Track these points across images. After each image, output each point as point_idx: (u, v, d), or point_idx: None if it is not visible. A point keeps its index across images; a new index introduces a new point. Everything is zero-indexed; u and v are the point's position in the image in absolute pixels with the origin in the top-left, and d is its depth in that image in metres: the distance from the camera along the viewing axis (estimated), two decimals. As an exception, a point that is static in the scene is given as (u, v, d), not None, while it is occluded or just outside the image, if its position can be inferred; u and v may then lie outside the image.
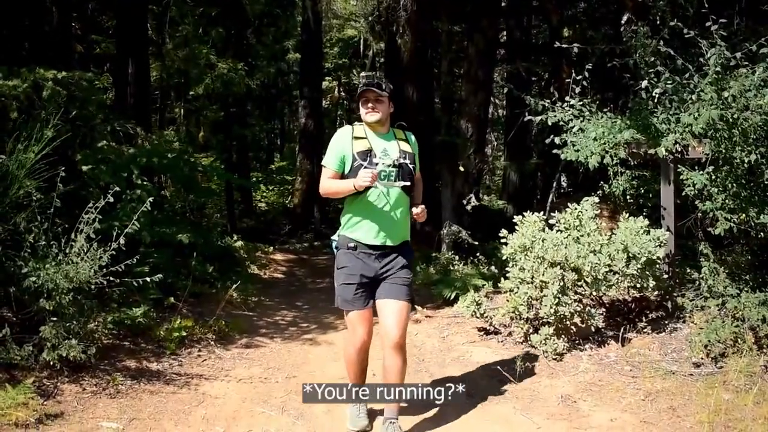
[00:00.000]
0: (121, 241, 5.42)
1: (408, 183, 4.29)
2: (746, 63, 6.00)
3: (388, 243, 4.28)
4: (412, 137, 4.54)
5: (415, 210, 4.35)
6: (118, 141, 8.30)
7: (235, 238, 13.87)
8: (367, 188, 4.16)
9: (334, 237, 4.50)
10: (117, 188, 5.91)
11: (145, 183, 7.65)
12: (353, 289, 4.28)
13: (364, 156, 4.23)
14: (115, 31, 14.28)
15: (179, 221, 9.85)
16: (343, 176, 4.31)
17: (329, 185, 4.32)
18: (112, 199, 5.59)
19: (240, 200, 22.30)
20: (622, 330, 6.44)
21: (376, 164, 4.20)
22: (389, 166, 4.23)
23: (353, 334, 4.44)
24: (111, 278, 5.41)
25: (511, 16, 17.08)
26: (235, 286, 8.43)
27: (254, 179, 23.93)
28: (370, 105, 4.29)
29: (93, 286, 5.39)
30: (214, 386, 5.59)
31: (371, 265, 4.28)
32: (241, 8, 18.64)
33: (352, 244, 4.29)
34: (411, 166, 4.34)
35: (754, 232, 6.24)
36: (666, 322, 6.59)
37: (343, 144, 4.31)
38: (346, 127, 4.45)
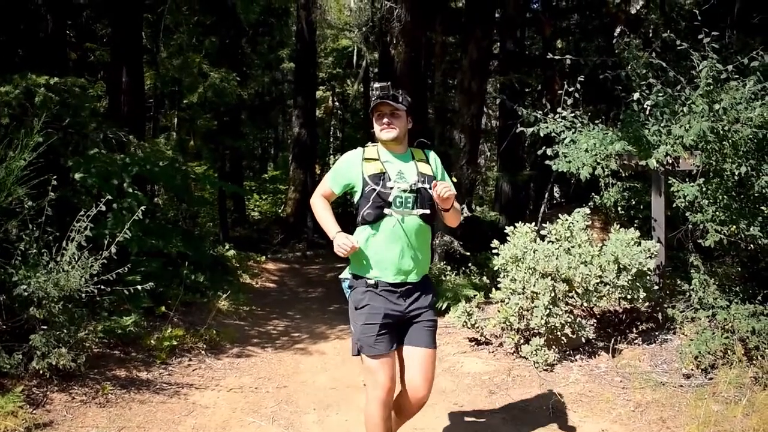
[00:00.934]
0: (112, 249, 5.41)
1: (428, 211, 3.65)
2: (737, 76, 6.04)
3: (410, 279, 3.68)
4: (432, 155, 3.89)
5: (437, 186, 3.52)
6: (111, 148, 8.27)
7: (227, 247, 13.86)
8: (381, 216, 3.60)
9: (345, 275, 3.86)
10: (108, 196, 5.89)
11: (136, 191, 7.62)
12: (376, 329, 3.59)
13: (376, 179, 3.60)
14: (109, 38, 14.27)
15: (171, 230, 9.83)
16: (351, 198, 3.79)
17: (319, 211, 3.83)
18: (103, 208, 5.58)
19: (233, 209, 22.27)
20: (612, 341, 6.45)
21: (391, 188, 3.58)
22: (405, 191, 3.60)
23: (375, 383, 3.60)
24: (102, 287, 5.39)
25: (505, 27, 17.14)
26: (225, 295, 8.42)
27: (247, 188, 23.93)
28: (385, 120, 3.67)
29: (83, 295, 5.37)
30: (205, 396, 5.57)
31: (396, 304, 3.65)
32: (236, 17, 18.68)
33: (372, 281, 3.64)
34: (431, 191, 3.60)
35: (744, 244, 6.28)
36: (656, 333, 6.60)
37: (350, 169, 3.72)
38: (355, 150, 3.81)
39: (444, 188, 3.50)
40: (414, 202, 3.62)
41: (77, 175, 7.19)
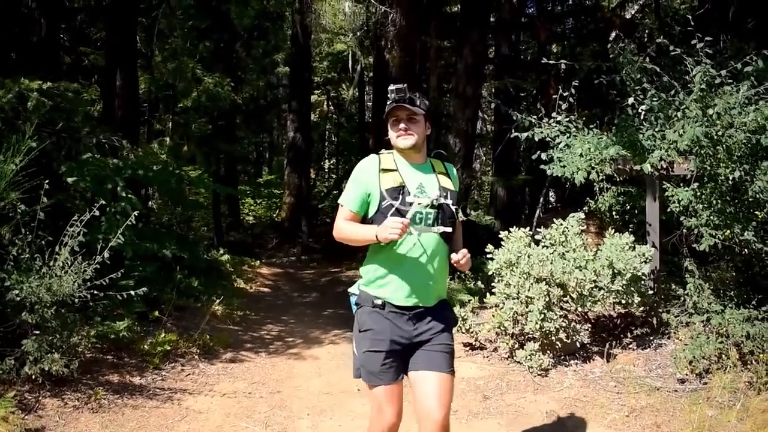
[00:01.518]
0: (105, 254, 5.39)
1: (449, 229, 3.29)
2: (731, 81, 6.05)
3: (423, 303, 3.30)
4: (454, 170, 3.57)
5: (455, 256, 3.30)
6: (104, 153, 8.25)
7: (222, 251, 13.84)
8: None
9: (353, 290, 3.52)
10: (102, 201, 5.87)
11: (130, 195, 7.59)
12: (381, 358, 3.24)
13: (395, 193, 3.23)
14: (104, 42, 14.26)
15: (165, 234, 9.81)
16: (365, 219, 3.37)
17: (345, 229, 3.36)
18: (97, 212, 5.56)
19: (227, 213, 22.26)
20: (607, 346, 6.45)
21: (410, 204, 3.20)
22: (426, 206, 3.24)
23: (379, 416, 3.30)
24: (95, 291, 5.37)
25: (500, 32, 17.18)
26: (219, 300, 8.40)
27: (242, 192, 23.91)
28: (402, 126, 3.31)
29: (76, 300, 5.34)
30: (198, 401, 5.55)
31: (404, 328, 3.27)
32: (230, 21, 18.69)
33: (379, 301, 3.29)
34: (453, 207, 3.33)
35: (738, 249, 6.28)
36: (651, 338, 6.60)
37: (367, 179, 3.32)
38: (371, 158, 3.41)
39: (467, 261, 3.29)
40: (435, 218, 3.27)
41: (70, 180, 7.17)
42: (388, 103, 3.35)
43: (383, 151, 3.45)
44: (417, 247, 3.25)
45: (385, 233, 3.04)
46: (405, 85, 3.33)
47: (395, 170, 3.32)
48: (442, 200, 3.28)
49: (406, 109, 3.30)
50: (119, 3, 11.35)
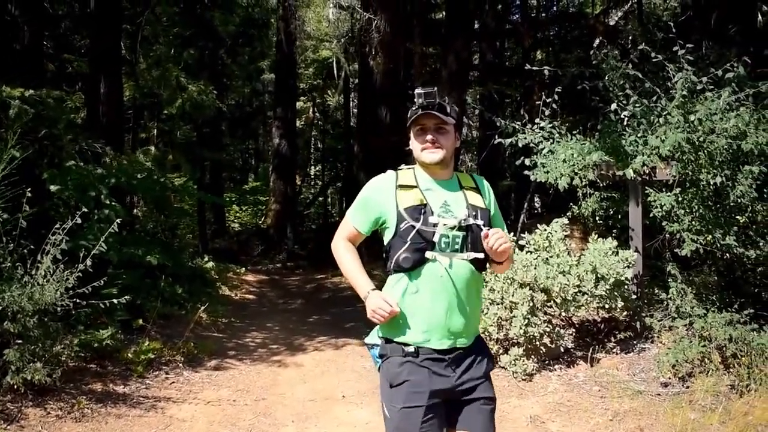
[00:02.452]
0: (88, 262, 5.37)
1: (481, 255, 2.78)
2: (712, 87, 6.11)
3: (460, 343, 2.82)
4: (486, 184, 3.06)
5: (489, 238, 2.72)
6: (87, 161, 8.22)
7: (207, 258, 13.79)
8: (422, 261, 2.75)
9: (372, 339, 2.98)
10: (84, 209, 5.85)
11: (113, 203, 7.57)
12: (421, 414, 2.71)
13: (415, 213, 2.76)
14: (88, 49, 14.20)
15: (149, 242, 9.77)
16: (380, 234, 2.96)
17: (344, 257, 2.96)
18: (79, 220, 5.54)
19: (213, 221, 22.20)
20: (591, 350, 6.48)
21: (435, 225, 2.74)
22: (453, 228, 2.77)
23: None
24: (78, 300, 5.34)
25: (484, 38, 17.25)
26: (203, 307, 8.37)
27: (228, 199, 23.85)
28: (429, 138, 2.82)
29: (59, 308, 5.32)
30: (182, 409, 5.52)
31: (444, 376, 2.77)
32: (215, 29, 18.67)
33: (411, 348, 2.77)
34: (485, 228, 2.78)
35: (719, 253, 6.33)
36: (634, 342, 6.64)
37: (380, 199, 2.88)
38: (386, 174, 2.97)
39: (498, 239, 2.70)
40: (463, 242, 2.79)
41: (53, 188, 7.14)
42: (413, 108, 2.88)
43: (402, 166, 3.00)
44: (445, 278, 2.75)
45: (369, 311, 2.72)
46: (435, 88, 2.84)
47: (415, 186, 2.85)
48: (471, 220, 2.79)
49: (434, 117, 2.81)
50: (103, 10, 11.30)
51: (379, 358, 2.90)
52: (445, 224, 2.75)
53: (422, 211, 2.76)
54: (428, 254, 2.74)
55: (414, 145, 2.90)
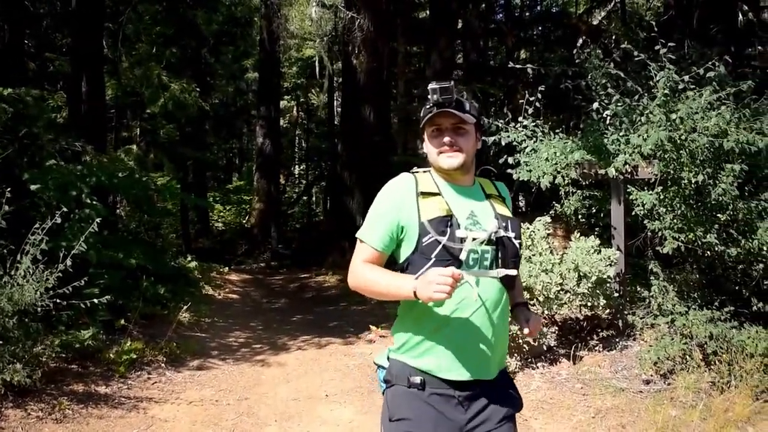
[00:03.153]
0: (68, 262, 5.32)
1: (514, 272, 2.43)
2: (694, 86, 6.14)
3: (482, 376, 2.37)
4: (507, 191, 2.70)
5: (526, 329, 2.48)
6: (68, 160, 8.16)
7: (189, 258, 13.74)
8: None
9: (381, 359, 2.58)
10: (65, 208, 5.80)
11: (94, 202, 7.51)
12: None
13: (441, 226, 2.33)
14: (69, 48, 14.11)
15: (131, 241, 9.73)
16: (395, 261, 2.50)
17: (365, 276, 2.42)
18: (59, 220, 5.50)
19: (197, 220, 22.12)
20: (573, 348, 6.49)
21: (462, 240, 2.33)
22: (483, 243, 2.38)
23: None
24: (58, 300, 5.30)
25: (468, 38, 17.27)
26: (186, 307, 8.33)
27: (211, 198, 23.77)
28: (446, 140, 2.43)
29: (39, 309, 5.28)
30: (164, 409, 5.49)
31: (452, 418, 2.34)
32: (197, 28, 18.60)
33: (417, 379, 2.36)
34: (516, 242, 2.45)
35: (701, 251, 6.36)
36: (617, 339, 6.66)
37: (401, 205, 2.42)
38: (404, 177, 2.52)
39: (531, 333, 2.49)
40: (493, 258, 2.42)
41: (33, 187, 7.08)
42: (427, 106, 2.46)
43: (416, 169, 2.58)
44: (470, 299, 2.33)
45: (428, 291, 2.14)
46: (451, 83, 2.41)
47: (438, 194, 2.44)
48: (502, 233, 2.42)
49: (451, 115, 2.41)
50: (85, 8, 11.24)
51: (384, 383, 2.49)
52: (474, 238, 2.33)
53: (448, 223, 2.34)
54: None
55: (429, 148, 2.50)
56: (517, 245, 2.45)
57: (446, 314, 2.33)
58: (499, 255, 2.42)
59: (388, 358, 2.51)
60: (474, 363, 2.34)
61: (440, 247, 2.31)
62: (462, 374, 2.33)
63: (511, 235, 2.44)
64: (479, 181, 2.62)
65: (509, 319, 2.56)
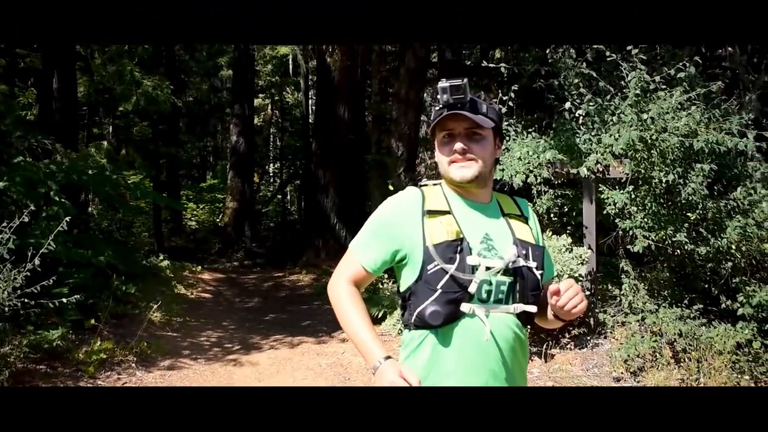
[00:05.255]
0: (37, 261, 5.25)
1: (533, 308, 2.08)
2: (665, 86, 6.21)
3: None
4: (531, 209, 2.31)
5: (553, 287, 1.95)
6: (37, 157, 8.06)
7: (162, 257, 13.62)
8: (455, 317, 2.01)
9: None
10: (32, 206, 5.73)
11: (63, 200, 7.42)
12: None
13: (449, 251, 2.01)
14: (40, 44, 13.94)
15: (102, 240, 9.63)
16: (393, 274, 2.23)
17: (343, 305, 2.13)
18: (27, 218, 5.42)
19: (169, 219, 21.93)
20: (545, 346, 6.53)
21: (474, 268, 2.00)
22: (498, 272, 2.04)
23: None
24: (26, 300, 5.23)
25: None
26: (157, 306, 8.26)
27: (184, 197, 23.59)
28: (458, 147, 2.08)
29: (7, 309, 5.21)
30: (134, 410, 5.43)
31: None
32: (171, 24, 18.43)
33: None
34: (539, 273, 2.10)
35: (671, 250, 6.42)
36: (588, 337, 6.71)
37: (404, 226, 2.09)
38: (411, 192, 2.17)
39: (572, 298, 1.95)
40: (509, 291, 2.07)
41: (0, 185, 6.97)
42: (437, 108, 2.13)
43: (426, 181, 2.24)
44: (481, 337, 2.01)
45: (380, 382, 1.90)
46: (464, 80, 2.05)
47: (447, 212, 2.09)
48: (521, 262, 2.07)
49: (464, 118, 2.07)
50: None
51: None
52: (488, 267, 2.01)
53: (458, 248, 2.01)
54: (464, 307, 2.00)
55: (439, 157, 2.16)
56: (539, 276, 2.09)
57: (456, 361, 2.02)
58: (517, 288, 2.06)
59: None
60: None
61: (447, 276, 1.98)
62: None
63: (532, 264, 2.08)
64: (497, 197, 2.24)
65: (528, 361, 2.30)
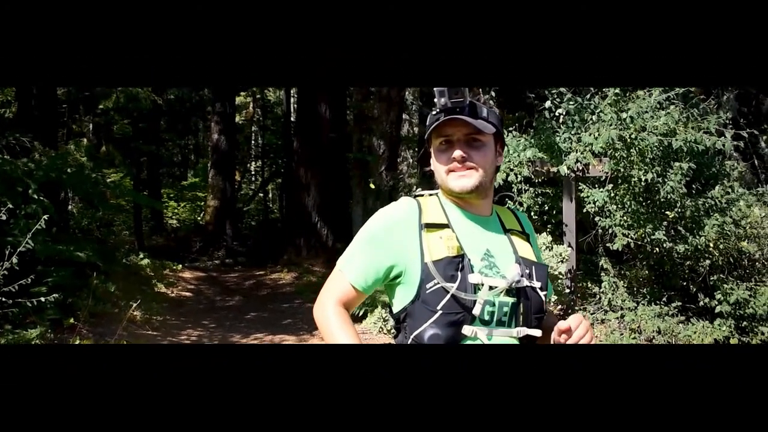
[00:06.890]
0: (14, 260, 5.21)
1: (538, 332, 1.92)
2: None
3: None
4: (529, 224, 2.17)
5: (562, 324, 1.80)
6: (15, 155, 7.99)
7: (142, 255, 13.54)
8: (456, 341, 1.85)
9: None
10: (10, 204, 5.68)
11: (42, 198, 7.36)
12: None
13: (450, 269, 1.83)
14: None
15: (81, 238, 9.55)
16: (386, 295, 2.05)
17: (331, 329, 1.91)
18: (5, 216, 5.37)
19: (150, 217, 21.81)
20: (526, 344, 6.55)
21: (476, 287, 1.84)
22: (501, 292, 1.88)
23: None
24: (4, 299, 5.18)
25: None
26: (137, 304, 8.21)
27: (165, 195, 23.47)
28: (457, 154, 1.91)
29: (-18, 308, 5.16)
30: (113, 409, 5.39)
31: None
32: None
33: None
34: (543, 294, 1.96)
35: (650, 248, 6.48)
36: (568, 336, 6.74)
37: (400, 241, 1.91)
38: (406, 203, 1.99)
39: (582, 336, 1.79)
40: (512, 313, 1.91)
41: (-22, 183, 6.92)
42: (433, 113, 1.96)
43: (420, 191, 2.07)
44: None
45: None
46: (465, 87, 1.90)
47: (446, 225, 1.92)
48: (525, 282, 1.91)
49: (463, 124, 1.90)
50: None
51: None
52: (490, 287, 1.85)
53: (459, 265, 1.84)
54: (466, 330, 1.83)
55: (436, 166, 1.99)
56: (543, 297, 1.95)
57: None
58: (521, 309, 1.91)
59: None
60: None
61: (448, 296, 1.81)
62: None
63: (536, 284, 1.94)
64: (497, 211, 2.09)
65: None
